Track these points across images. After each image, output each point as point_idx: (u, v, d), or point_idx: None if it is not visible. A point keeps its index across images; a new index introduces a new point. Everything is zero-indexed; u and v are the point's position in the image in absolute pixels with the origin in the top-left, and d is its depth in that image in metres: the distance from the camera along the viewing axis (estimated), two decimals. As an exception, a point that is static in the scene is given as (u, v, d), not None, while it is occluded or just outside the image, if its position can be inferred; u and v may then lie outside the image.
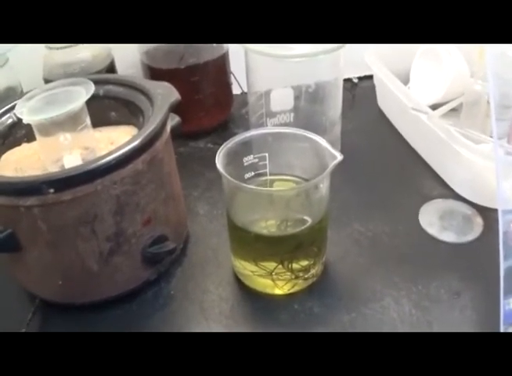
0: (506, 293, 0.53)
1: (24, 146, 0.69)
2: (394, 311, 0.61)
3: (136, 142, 0.57)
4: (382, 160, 0.86)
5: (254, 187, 0.62)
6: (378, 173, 0.83)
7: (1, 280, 0.70)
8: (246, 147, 0.64)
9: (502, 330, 0.53)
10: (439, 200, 0.76)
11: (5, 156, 0.67)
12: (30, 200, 0.55)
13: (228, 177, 0.58)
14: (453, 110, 0.89)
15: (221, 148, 0.61)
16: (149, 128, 0.59)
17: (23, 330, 0.61)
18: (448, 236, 0.70)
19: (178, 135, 0.67)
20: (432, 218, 0.73)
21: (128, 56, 0.93)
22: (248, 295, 0.65)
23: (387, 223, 0.73)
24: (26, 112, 0.61)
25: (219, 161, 0.59)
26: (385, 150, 0.88)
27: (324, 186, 0.60)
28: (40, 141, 0.64)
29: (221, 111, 0.96)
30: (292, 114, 0.79)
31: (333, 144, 0.61)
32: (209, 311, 0.63)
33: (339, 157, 0.58)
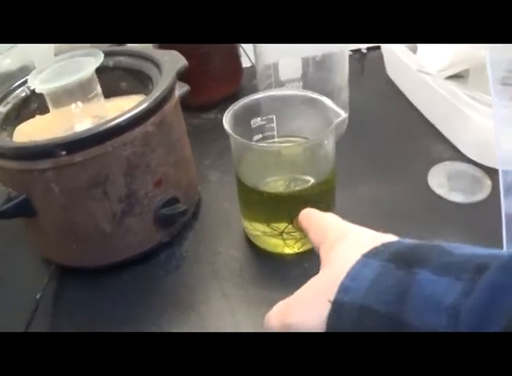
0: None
1: (38, 117, 0.71)
2: (402, 266, 0.62)
3: (145, 105, 0.59)
4: (391, 126, 0.87)
5: (261, 144, 0.63)
6: (387, 138, 0.84)
7: (17, 247, 0.72)
8: (254, 110, 0.65)
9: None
10: (448, 163, 0.77)
11: (19, 127, 0.69)
12: (44, 164, 0.57)
13: (236, 136, 0.59)
14: (461, 76, 0.89)
15: (228, 110, 0.62)
16: (158, 91, 0.61)
17: (38, 296, 0.63)
18: (457, 197, 0.71)
19: (189, 106, 0.68)
20: (441, 180, 0.74)
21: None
22: (259, 255, 0.67)
23: (396, 185, 0.74)
24: (38, 82, 0.63)
25: (226, 122, 0.60)
26: (394, 116, 0.89)
27: (329, 144, 0.61)
28: (52, 111, 0.66)
29: (230, 83, 0.98)
30: (301, 83, 0.80)
31: (341, 110, 0.62)
32: (220, 271, 0.65)
33: (343, 114, 0.59)
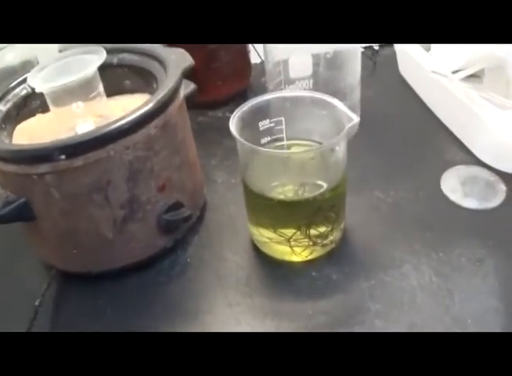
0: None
1: (39, 116, 0.69)
2: (414, 278, 0.60)
3: (148, 107, 0.57)
4: (403, 127, 0.84)
5: (269, 150, 0.61)
6: (399, 139, 0.81)
7: (18, 251, 0.70)
8: (262, 112, 0.63)
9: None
10: (461, 167, 0.74)
11: (19, 126, 0.67)
12: (42, 168, 0.55)
13: (243, 140, 0.57)
14: (476, 76, 0.86)
15: (235, 112, 0.60)
16: (161, 93, 0.59)
17: (37, 303, 0.61)
18: (471, 203, 0.68)
19: (196, 104, 0.66)
20: (454, 185, 0.71)
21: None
22: (265, 263, 0.64)
23: (407, 189, 0.71)
24: (38, 81, 0.61)
25: (233, 125, 0.58)
26: (407, 117, 0.86)
27: (340, 149, 0.59)
28: (53, 110, 0.63)
29: (239, 80, 0.95)
30: (311, 81, 0.77)
31: (352, 110, 0.59)
32: (225, 278, 0.63)
33: (355, 119, 0.57)
